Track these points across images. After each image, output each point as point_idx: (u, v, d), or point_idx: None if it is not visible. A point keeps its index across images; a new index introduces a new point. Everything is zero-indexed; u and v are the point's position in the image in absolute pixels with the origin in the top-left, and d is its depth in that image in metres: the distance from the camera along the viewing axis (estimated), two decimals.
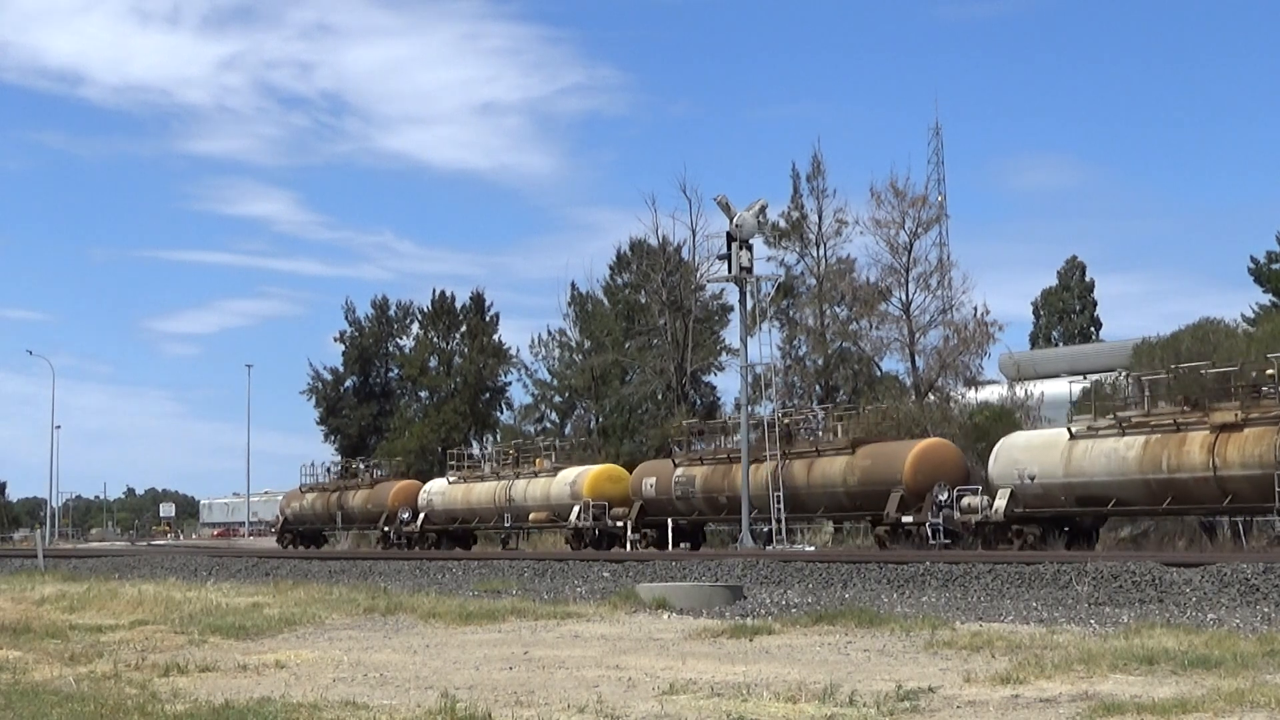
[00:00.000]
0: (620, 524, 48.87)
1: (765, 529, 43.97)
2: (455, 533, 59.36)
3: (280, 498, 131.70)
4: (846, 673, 11.64)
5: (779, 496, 42.92)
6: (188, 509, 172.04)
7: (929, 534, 38.10)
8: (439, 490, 60.24)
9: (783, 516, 42.99)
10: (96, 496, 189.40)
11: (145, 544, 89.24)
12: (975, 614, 17.91)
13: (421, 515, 60.25)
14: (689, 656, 13.19)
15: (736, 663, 12.57)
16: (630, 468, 53.54)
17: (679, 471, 47.82)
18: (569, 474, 52.68)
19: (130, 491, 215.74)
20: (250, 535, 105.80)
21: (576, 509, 50.24)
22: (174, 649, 14.94)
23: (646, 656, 13.28)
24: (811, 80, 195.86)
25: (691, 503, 47.27)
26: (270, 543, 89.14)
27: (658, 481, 48.42)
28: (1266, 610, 18.13)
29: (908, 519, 39.28)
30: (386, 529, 61.41)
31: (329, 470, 72.25)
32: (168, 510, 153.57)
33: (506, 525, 55.02)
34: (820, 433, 46.23)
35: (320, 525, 69.93)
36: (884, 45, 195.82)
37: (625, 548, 47.45)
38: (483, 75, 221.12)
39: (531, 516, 53.31)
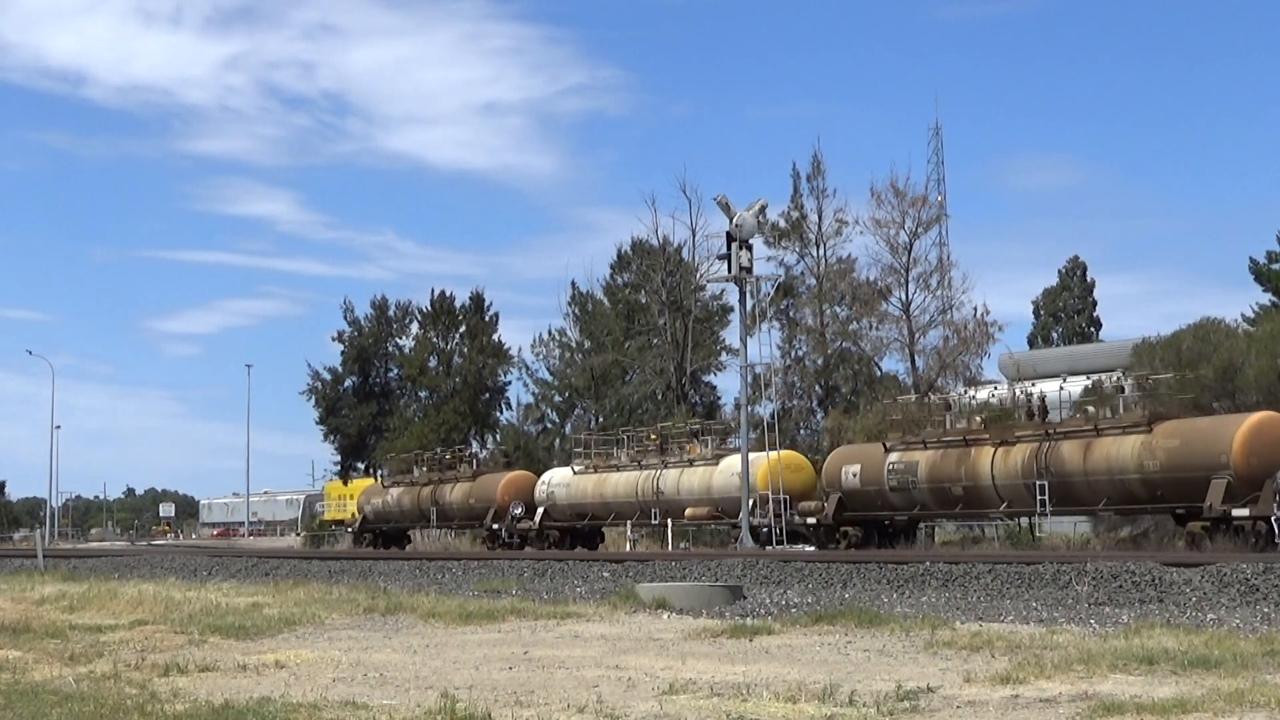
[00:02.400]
0: (811, 521, 42.29)
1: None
2: (582, 531, 52.47)
3: (294, 496, 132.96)
4: (846, 673, 11.63)
5: (1043, 486, 35.66)
6: (188, 509, 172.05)
7: (1274, 529, 31.33)
8: (562, 482, 53.05)
9: (1048, 509, 35.96)
10: (96, 496, 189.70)
11: (145, 544, 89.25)
12: (975, 614, 17.91)
13: (540, 510, 53.18)
14: (689, 656, 13.19)
15: (736, 663, 12.56)
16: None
17: (894, 457, 40.54)
18: (737, 461, 45.13)
19: (130, 491, 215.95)
20: (250, 535, 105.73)
21: (748, 502, 43.70)
22: (174, 649, 14.93)
23: (646, 656, 13.28)
24: (811, 80, 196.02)
25: (912, 495, 39.96)
26: (270, 543, 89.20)
27: (863, 470, 41.23)
28: (1266, 610, 18.13)
29: (1240, 512, 32.08)
30: (495, 527, 54.30)
31: (418, 461, 64.39)
32: (168, 510, 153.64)
33: (654, 522, 48.32)
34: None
35: (408, 524, 62.90)
36: (884, 45, 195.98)
37: (809, 546, 42.31)
38: (484, 75, 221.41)
39: (688, 512, 46.46)
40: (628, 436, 53.11)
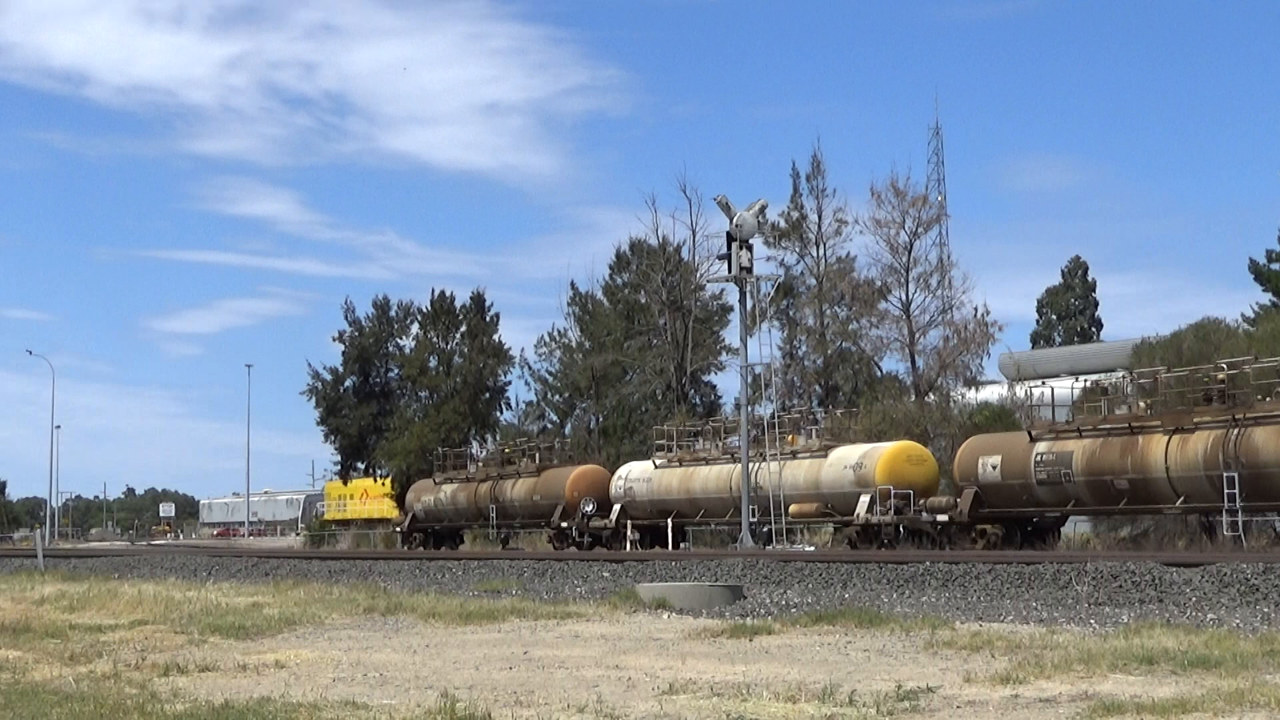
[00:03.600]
0: (942, 518, 38.29)
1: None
2: (663, 529, 48.59)
3: (294, 496, 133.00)
4: (846, 673, 11.63)
5: (1231, 479, 31.59)
6: (188, 509, 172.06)
7: None
8: (642, 476, 49.04)
9: (1238, 505, 31.45)
10: (96, 496, 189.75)
11: (145, 544, 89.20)
12: (975, 614, 17.92)
13: (616, 507, 49.26)
14: (689, 656, 13.19)
15: (736, 663, 12.56)
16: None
17: (1042, 447, 36.41)
18: (850, 453, 42.13)
19: (130, 491, 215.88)
20: (250, 535, 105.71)
21: (865, 499, 40.01)
22: (174, 649, 14.93)
23: (646, 656, 13.28)
24: (811, 80, 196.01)
25: (1064, 489, 35.68)
26: (270, 543, 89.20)
27: (1004, 461, 37.23)
28: (1266, 610, 18.14)
29: None
30: (565, 525, 50.57)
31: (473, 456, 60.47)
32: (168, 510, 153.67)
33: (753, 520, 44.34)
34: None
35: (464, 522, 58.86)
36: (884, 45, 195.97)
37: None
38: (486, 75, 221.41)
39: (794, 509, 42.59)
40: (714, 428, 49.71)
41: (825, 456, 42.79)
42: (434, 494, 59.86)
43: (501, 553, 47.68)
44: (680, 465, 47.98)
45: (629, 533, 48.55)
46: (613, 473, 51.46)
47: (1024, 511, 37.26)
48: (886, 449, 41.34)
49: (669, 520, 47.09)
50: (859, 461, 41.19)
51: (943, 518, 38.22)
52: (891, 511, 38.99)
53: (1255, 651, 12.05)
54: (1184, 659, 11.54)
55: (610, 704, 10.02)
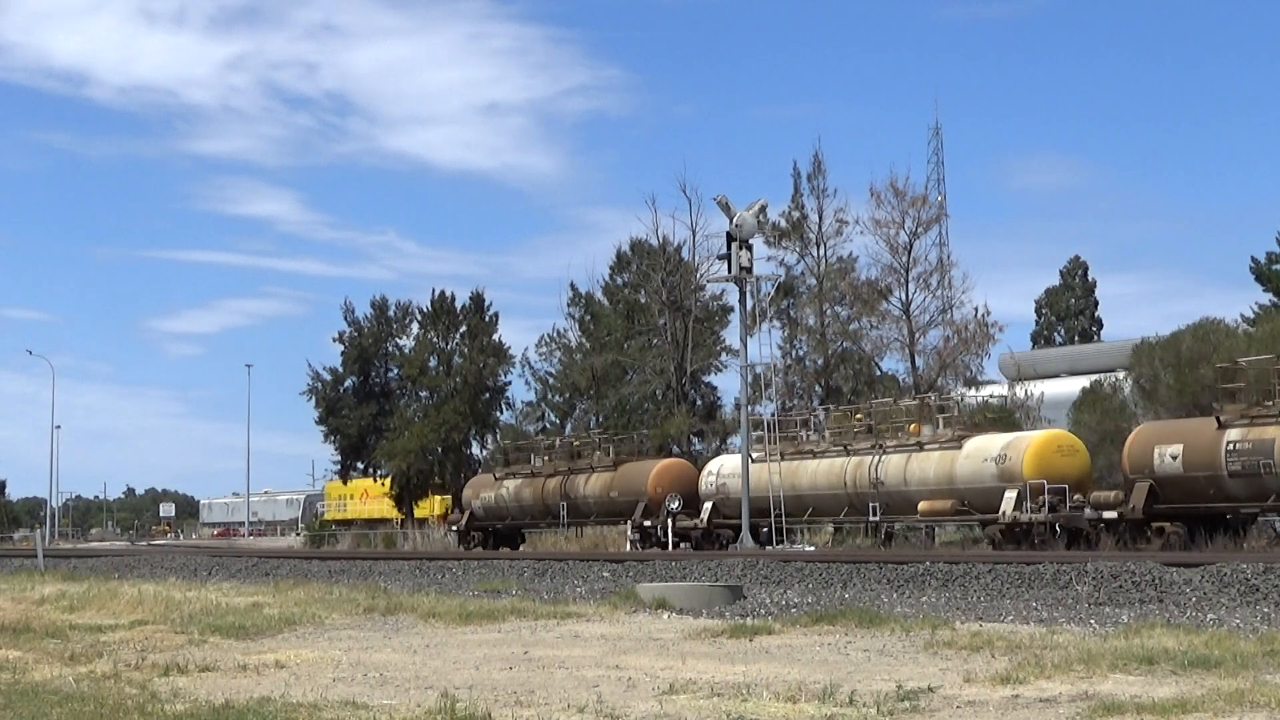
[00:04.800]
0: (1109, 515, 34.93)
1: None
2: (757, 527, 44.68)
3: (294, 496, 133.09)
4: (846, 673, 11.63)
5: None
6: (188, 509, 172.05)
7: None
8: (736, 471, 44.76)
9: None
10: (96, 496, 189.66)
11: (145, 544, 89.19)
12: (975, 614, 17.92)
13: (708, 505, 45.90)
14: (689, 656, 13.19)
15: (736, 663, 12.56)
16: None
17: (1235, 434, 33.03)
18: (989, 444, 38.51)
19: (130, 491, 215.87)
20: (250, 535, 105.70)
21: (1011, 495, 36.44)
22: (174, 649, 14.93)
23: (646, 656, 13.28)
24: (811, 80, 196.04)
25: (1264, 482, 32.42)
26: (270, 543, 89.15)
27: (1186, 451, 33.90)
28: (1266, 610, 18.14)
29: None
30: (648, 524, 47.13)
31: (536, 449, 56.87)
32: (168, 510, 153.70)
33: (874, 518, 41.10)
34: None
35: (529, 520, 54.82)
36: (884, 45, 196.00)
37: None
38: (487, 76, 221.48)
39: (923, 506, 38.96)
40: (816, 417, 46.05)
41: (960, 447, 38.83)
42: (495, 490, 55.79)
43: (502, 553, 47.60)
44: (784, 459, 43.78)
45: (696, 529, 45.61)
46: (699, 467, 48.29)
47: (1212, 507, 33.64)
48: (1034, 438, 37.95)
49: (770, 519, 43.34)
50: (1002, 453, 37.49)
51: (1110, 514, 34.78)
52: (1045, 508, 35.47)
53: (1255, 651, 12.05)
54: (1184, 659, 11.54)
55: (610, 704, 10.02)
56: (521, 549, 52.85)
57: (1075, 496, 35.60)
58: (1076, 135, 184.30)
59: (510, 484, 55.13)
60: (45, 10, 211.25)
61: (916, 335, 56.86)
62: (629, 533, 48.91)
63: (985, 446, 38.35)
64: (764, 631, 15.37)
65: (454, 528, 58.32)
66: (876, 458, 40.73)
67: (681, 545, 44.41)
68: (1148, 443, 35.13)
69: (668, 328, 65.64)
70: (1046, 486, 35.58)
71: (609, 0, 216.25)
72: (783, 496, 42.51)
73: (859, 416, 44.69)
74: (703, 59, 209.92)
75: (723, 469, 46.36)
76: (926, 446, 39.89)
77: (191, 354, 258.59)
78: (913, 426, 41.32)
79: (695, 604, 19.58)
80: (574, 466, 52.41)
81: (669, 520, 45.86)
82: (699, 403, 67.29)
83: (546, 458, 54.63)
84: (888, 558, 29.09)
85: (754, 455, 44.32)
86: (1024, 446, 37.22)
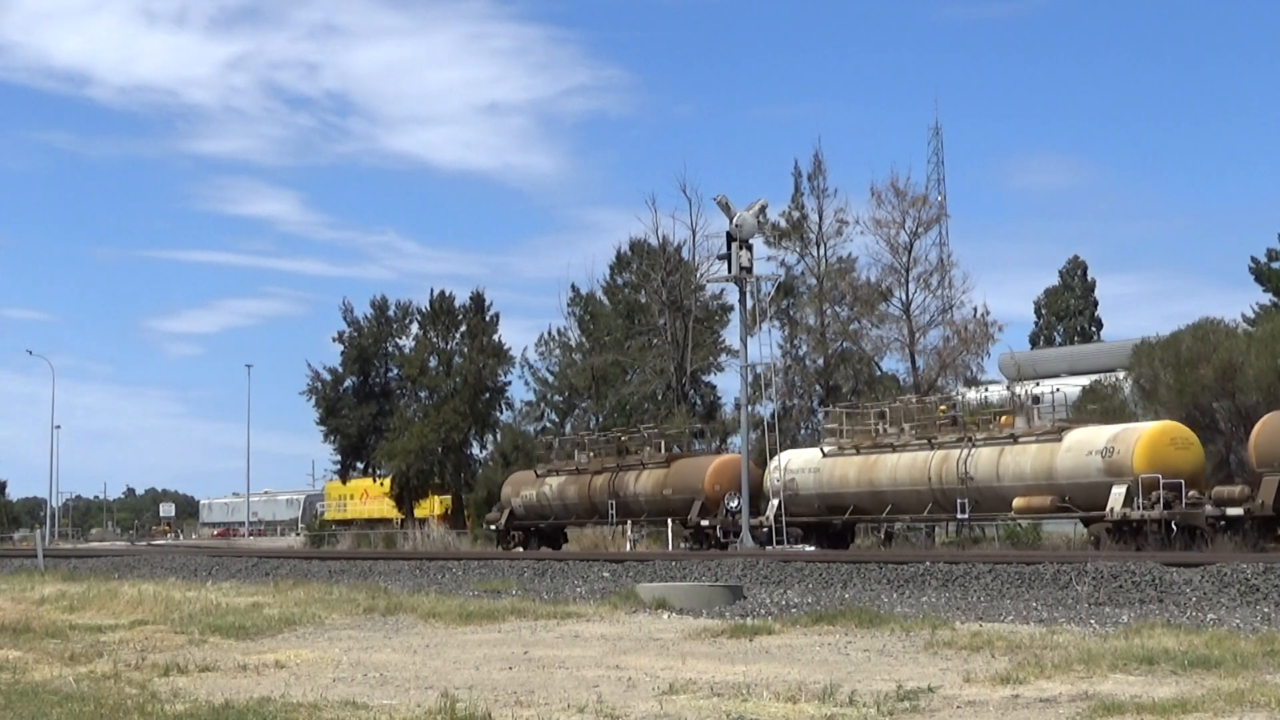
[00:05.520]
0: (1235, 512, 32.54)
1: None
2: (834, 527, 42.58)
3: (294, 496, 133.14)
4: (846, 673, 11.63)
5: None
6: (188, 509, 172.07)
7: None
8: (806, 466, 42.68)
9: None
10: (96, 496, 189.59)
11: (145, 544, 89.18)
12: (975, 614, 17.92)
13: (774, 502, 42.98)
14: (689, 656, 13.19)
15: (736, 663, 12.56)
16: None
17: None
18: (1094, 436, 35.94)
19: (130, 491, 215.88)
20: (250, 535, 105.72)
21: (1119, 490, 34.12)
22: (174, 649, 14.93)
23: (646, 656, 13.28)
24: (812, 80, 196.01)
25: None
26: (270, 543, 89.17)
27: None
28: (1266, 610, 18.14)
29: None
30: (705, 523, 44.92)
31: (580, 444, 54.13)
32: (168, 510, 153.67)
33: (962, 515, 38.71)
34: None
35: (573, 519, 52.63)
36: (884, 45, 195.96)
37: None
38: (488, 76, 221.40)
39: (1018, 503, 36.63)
40: (893, 408, 43.47)
41: (1059, 440, 36.36)
42: (536, 487, 53.12)
43: (503, 553, 47.48)
44: (859, 453, 41.33)
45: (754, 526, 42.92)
46: (760, 463, 45.87)
47: None
48: (1145, 430, 35.27)
49: (844, 517, 41.48)
50: (1108, 445, 34.96)
51: (1235, 511, 32.31)
52: (1160, 504, 33.09)
53: (1255, 651, 12.05)
54: (1184, 659, 11.54)
55: (610, 704, 10.02)
56: (564, 549, 51.16)
57: (1190, 492, 33.37)
58: (1076, 135, 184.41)
59: (553, 481, 52.65)
60: (46, 10, 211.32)
61: (917, 335, 56.93)
62: (628, 533, 48.83)
63: (1089, 439, 35.78)
64: (764, 631, 15.37)
65: (492, 527, 55.94)
66: (965, 451, 38.09)
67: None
68: (1278, 432, 32.56)
69: (668, 328, 65.67)
70: (1161, 481, 33.25)
71: (609, 0, 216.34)
72: (856, 493, 40.55)
73: (943, 409, 42.59)
74: (703, 59, 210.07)
75: (790, 464, 43.30)
76: (1021, 439, 37.23)
77: (191, 354, 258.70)
78: (1004, 418, 39.16)
79: (695, 604, 19.57)
80: (623, 463, 49.96)
81: (729, 518, 43.84)
82: (699, 403, 67.31)
83: (592, 454, 52.29)
84: (888, 558, 29.09)
85: (825, 449, 42.68)
86: (1134, 439, 34.71)
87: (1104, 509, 34.22)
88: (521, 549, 50.64)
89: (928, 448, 39.50)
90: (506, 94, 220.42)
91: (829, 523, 41.95)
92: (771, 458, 44.65)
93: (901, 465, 40.00)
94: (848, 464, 41.43)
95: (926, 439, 39.96)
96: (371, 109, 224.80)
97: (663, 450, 49.02)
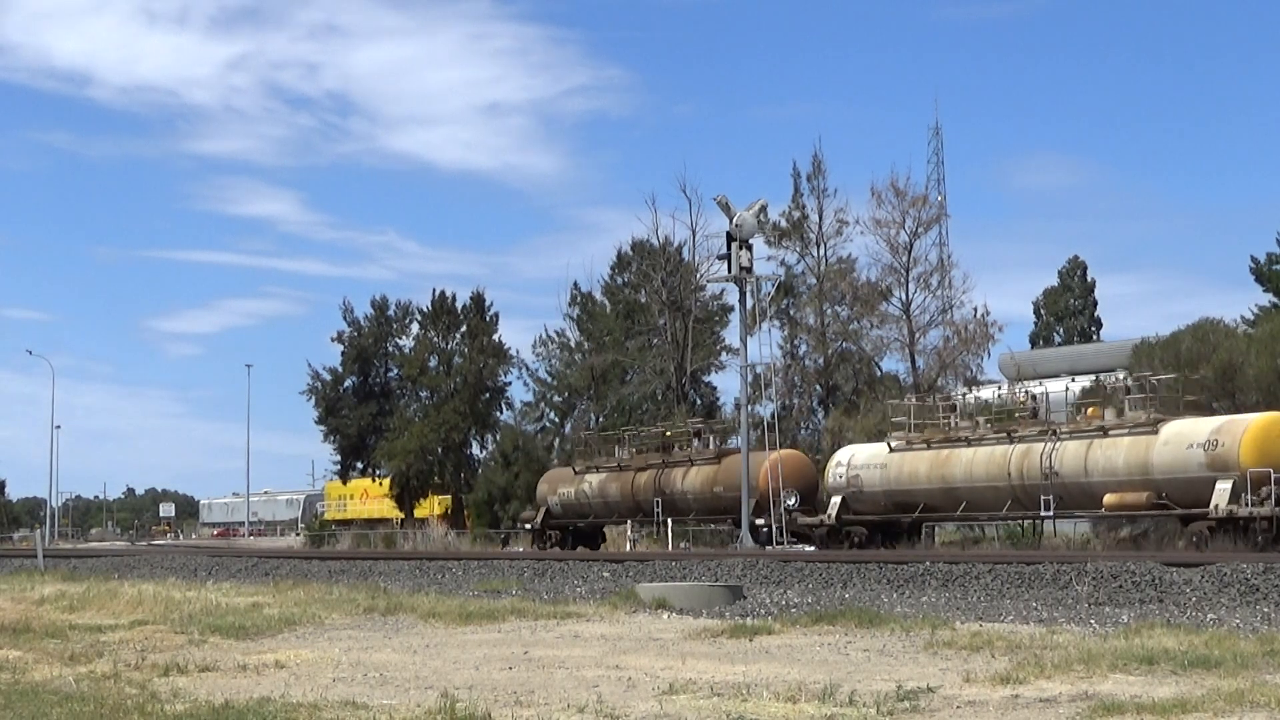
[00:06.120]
0: None
1: None
2: (901, 526, 40.32)
3: (294, 496, 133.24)
4: (846, 673, 11.63)
5: None
6: (188, 509, 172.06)
7: None
8: (872, 461, 40.63)
9: None
10: (96, 496, 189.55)
11: (145, 544, 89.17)
12: (975, 614, 17.92)
13: (836, 500, 41.10)
14: (689, 656, 13.19)
15: (736, 663, 12.56)
16: None
17: None
18: (1195, 428, 33.75)
19: (130, 491, 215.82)
20: (250, 535, 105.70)
21: (1224, 486, 32.01)
22: (174, 649, 14.93)
23: (646, 656, 13.28)
24: (811, 80, 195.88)
25: None
26: (270, 543, 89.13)
27: None
28: (1266, 610, 18.15)
29: None
30: (759, 522, 42.75)
31: (620, 440, 51.37)
32: (168, 510, 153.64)
33: (1046, 513, 36.65)
34: None
35: (615, 518, 50.07)
36: (884, 45, 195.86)
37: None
38: (489, 76, 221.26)
39: (1109, 499, 34.51)
40: (966, 399, 41.04)
41: (1155, 432, 34.08)
42: (574, 485, 50.79)
43: (501, 552, 47.40)
44: (929, 447, 39.12)
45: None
46: (814, 458, 44.09)
47: None
48: (1252, 421, 33.04)
49: (914, 515, 39.55)
50: (1212, 438, 32.83)
51: None
52: (1272, 501, 30.95)
53: (1255, 651, 12.05)
54: (1184, 659, 11.54)
55: (610, 704, 10.02)
56: (603, 549, 49.12)
57: None
58: (1076, 135, 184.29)
59: (593, 478, 50.31)
60: (46, 10, 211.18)
61: (916, 335, 57.00)
62: (628, 533, 48.71)
63: (1189, 431, 33.54)
64: (764, 631, 15.37)
65: (527, 527, 53.63)
66: (1050, 444, 35.92)
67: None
68: None
69: (668, 328, 65.68)
70: (1273, 476, 31.01)
71: (609, 0, 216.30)
72: (927, 490, 38.65)
73: (1021, 400, 40.75)
74: (703, 59, 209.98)
75: (853, 459, 41.14)
76: (1112, 432, 35.05)
77: (191, 354, 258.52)
78: (1091, 410, 37.15)
79: (695, 604, 19.57)
80: (669, 459, 47.71)
81: (789, 518, 42.09)
82: (699, 403, 67.30)
83: (634, 449, 49.99)
84: (888, 558, 29.09)
85: (891, 443, 40.66)
86: (1240, 430, 32.54)
87: (1206, 506, 32.03)
88: (559, 549, 48.69)
89: (1007, 441, 37.42)
90: (507, 94, 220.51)
91: (896, 521, 39.95)
92: (831, 454, 42.56)
93: (978, 460, 37.77)
94: (918, 459, 39.22)
95: (1005, 432, 37.90)
96: (372, 109, 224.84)
97: (712, 445, 46.99)
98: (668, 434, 49.43)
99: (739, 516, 43.52)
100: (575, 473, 51.51)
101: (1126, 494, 34.08)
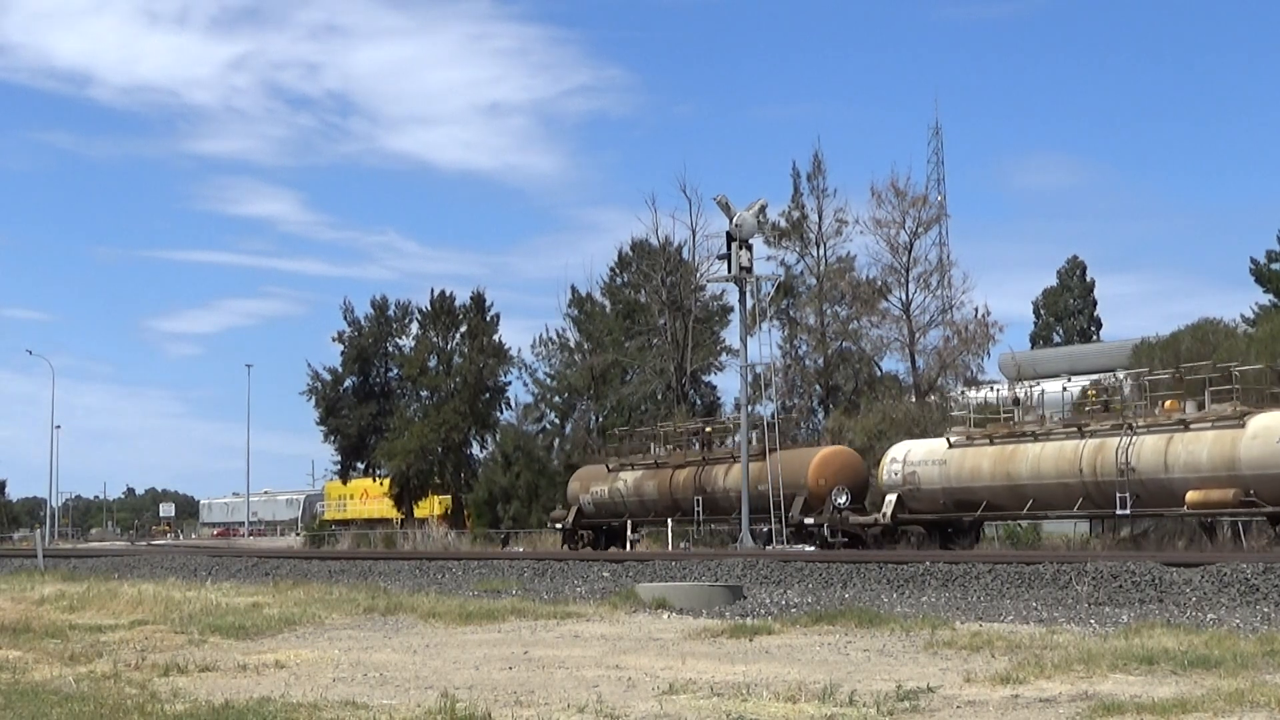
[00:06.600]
0: None
1: None
2: (962, 525, 38.66)
3: (294, 496, 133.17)
4: (846, 673, 11.63)
5: None
6: (188, 509, 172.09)
7: None
8: (930, 458, 38.70)
9: None
10: (96, 496, 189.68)
11: (145, 544, 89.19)
12: (975, 614, 17.91)
13: (891, 498, 39.43)
14: (689, 656, 13.19)
15: (736, 663, 12.56)
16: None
17: None
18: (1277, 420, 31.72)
19: (130, 491, 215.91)
20: (250, 535, 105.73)
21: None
22: (174, 649, 14.93)
23: (646, 656, 13.28)
24: (811, 80, 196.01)
25: None
26: (270, 543, 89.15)
27: None
28: (1266, 610, 18.14)
29: None
30: (808, 521, 41.43)
31: (655, 438, 49.50)
32: (168, 510, 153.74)
33: (1123, 511, 34.46)
34: None
35: (651, 517, 48.09)
36: (884, 45, 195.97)
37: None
38: (489, 76, 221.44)
39: (1192, 497, 32.59)
40: (1025, 392, 39.48)
41: (1242, 426, 32.03)
42: (608, 483, 48.85)
43: (501, 552, 47.30)
44: (992, 443, 37.23)
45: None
46: (866, 454, 42.75)
47: None
48: None
49: (975, 514, 37.76)
50: None
51: None
52: None
53: (1255, 651, 12.05)
54: (1184, 659, 11.54)
55: (610, 704, 10.02)
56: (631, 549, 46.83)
57: None
58: (1076, 135, 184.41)
59: (628, 476, 48.48)
60: (47, 10, 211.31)
61: (916, 335, 56.99)
62: (628, 533, 48.57)
63: (1276, 423, 31.50)
64: (764, 631, 15.36)
65: (558, 526, 51.98)
66: (1125, 439, 33.78)
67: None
68: None
69: (668, 328, 65.67)
70: None
71: (609, 0, 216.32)
72: (990, 487, 36.81)
73: (1092, 394, 38.80)
74: (703, 59, 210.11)
75: (910, 455, 39.07)
76: (1194, 425, 33.01)
77: (191, 354, 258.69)
78: (1169, 403, 34.95)
79: (695, 604, 19.57)
80: (710, 455, 46.05)
81: (839, 516, 40.93)
82: (699, 403, 67.30)
83: (671, 446, 48.19)
84: (888, 558, 29.09)
85: (951, 438, 38.94)
86: None
87: None
88: (591, 549, 46.86)
89: (1078, 435, 35.22)
90: (507, 94, 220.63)
91: (956, 520, 38.13)
92: (887, 450, 41.08)
93: (1046, 455, 35.64)
94: (980, 455, 37.09)
95: (1076, 425, 35.80)
96: (372, 109, 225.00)
97: (754, 442, 44.85)
98: (708, 430, 47.64)
99: (790, 515, 41.99)
100: (609, 470, 49.67)
101: (1211, 491, 32.02)
